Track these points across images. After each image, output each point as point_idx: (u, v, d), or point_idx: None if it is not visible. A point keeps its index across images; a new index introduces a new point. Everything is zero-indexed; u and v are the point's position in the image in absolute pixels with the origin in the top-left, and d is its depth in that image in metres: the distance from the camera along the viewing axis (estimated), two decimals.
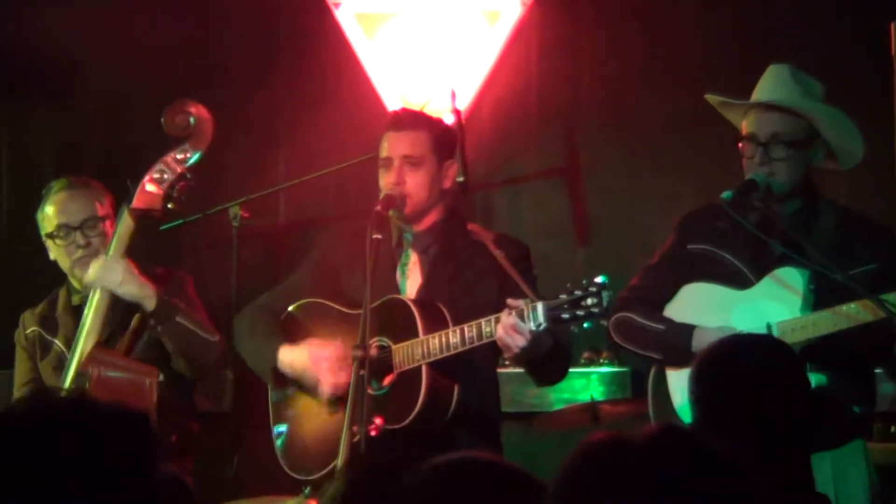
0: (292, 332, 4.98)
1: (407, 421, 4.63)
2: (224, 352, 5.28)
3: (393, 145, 4.88)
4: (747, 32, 6.78)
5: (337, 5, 7.16)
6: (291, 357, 4.89)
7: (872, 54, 5.93)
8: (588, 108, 7.07)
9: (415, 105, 6.74)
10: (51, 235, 5.39)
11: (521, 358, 4.60)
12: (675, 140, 6.89)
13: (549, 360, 4.70)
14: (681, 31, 6.96)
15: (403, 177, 4.85)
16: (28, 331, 5.51)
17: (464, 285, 4.87)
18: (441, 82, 6.81)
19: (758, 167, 4.85)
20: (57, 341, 5.41)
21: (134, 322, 5.24)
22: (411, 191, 4.86)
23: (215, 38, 7.05)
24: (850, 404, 4.85)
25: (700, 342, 4.81)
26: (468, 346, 4.61)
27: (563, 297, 4.44)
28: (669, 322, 4.95)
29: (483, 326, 4.57)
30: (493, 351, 4.78)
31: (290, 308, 5.03)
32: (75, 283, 5.44)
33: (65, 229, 5.36)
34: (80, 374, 5.13)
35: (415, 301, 4.77)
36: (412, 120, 4.99)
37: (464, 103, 6.81)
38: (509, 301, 4.53)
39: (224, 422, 5.41)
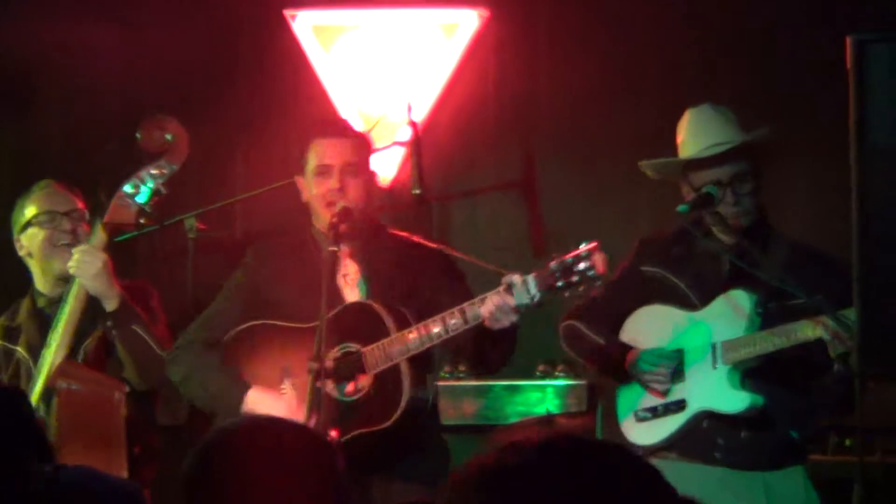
0: (238, 360, 4.90)
1: (392, 420, 4.61)
2: None
3: (332, 152, 4.83)
4: (707, 46, 6.80)
5: (294, 17, 7.14)
6: (263, 405, 4.76)
7: (830, 67, 5.97)
8: (545, 121, 7.08)
9: (371, 117, 6.76)
10: (31, 223, 5.36)
11: (509, 330, 4.59)
12: (632, 153, 6.85)
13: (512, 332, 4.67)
14: (639, 44, 6.97)
15: (346, 184, 4.81)
16: None
17: (408, 284, 4.86)
18: (398, 95, 6.80)
19: (732, 208, 4.89)
20: (19, 349, 5.37)
21: (98, 331, 5.24)
22: (355, 199, 4.82)
23: (173, 49, 7.01)
24: (787, 428, 4.90)
25: (632, 362, 4.88)
26: (452, 334, 4.60)
27: (553, 265, 4.47)
28: (610, 337, 5.02)
29: (467, 311, 4.57)
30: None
31: (228, 337, 4.93)
32: (40, 286, 5.39)
33: (51, 214, 5.34)
34: (48, 388, 5.10)
35: (378, 303, 4.74)
36: (346, 126, 5.01)
37: (420, 115, 6.81)
38: (503, 278, 4.56)
39: (180, 434, 5.38)
